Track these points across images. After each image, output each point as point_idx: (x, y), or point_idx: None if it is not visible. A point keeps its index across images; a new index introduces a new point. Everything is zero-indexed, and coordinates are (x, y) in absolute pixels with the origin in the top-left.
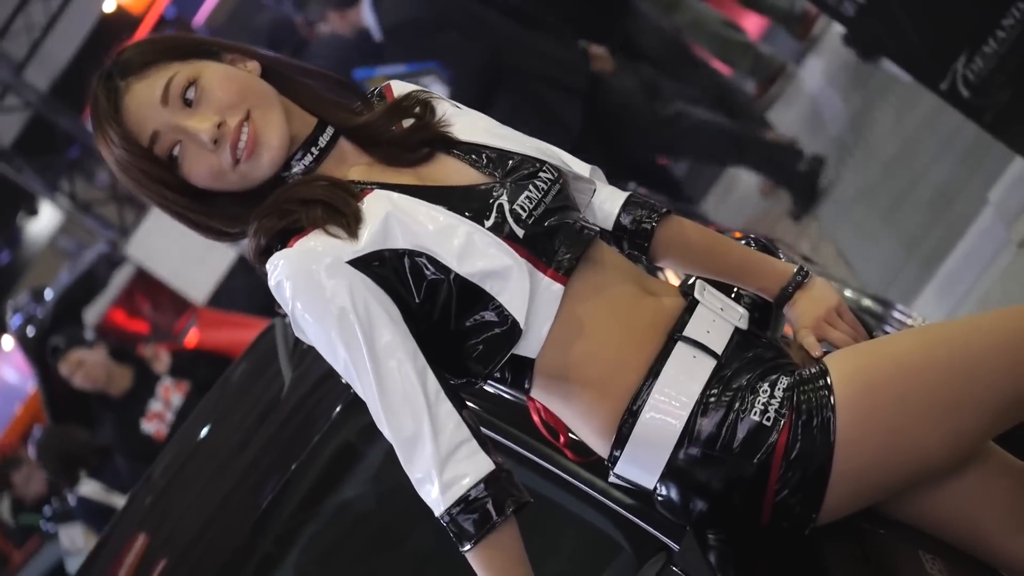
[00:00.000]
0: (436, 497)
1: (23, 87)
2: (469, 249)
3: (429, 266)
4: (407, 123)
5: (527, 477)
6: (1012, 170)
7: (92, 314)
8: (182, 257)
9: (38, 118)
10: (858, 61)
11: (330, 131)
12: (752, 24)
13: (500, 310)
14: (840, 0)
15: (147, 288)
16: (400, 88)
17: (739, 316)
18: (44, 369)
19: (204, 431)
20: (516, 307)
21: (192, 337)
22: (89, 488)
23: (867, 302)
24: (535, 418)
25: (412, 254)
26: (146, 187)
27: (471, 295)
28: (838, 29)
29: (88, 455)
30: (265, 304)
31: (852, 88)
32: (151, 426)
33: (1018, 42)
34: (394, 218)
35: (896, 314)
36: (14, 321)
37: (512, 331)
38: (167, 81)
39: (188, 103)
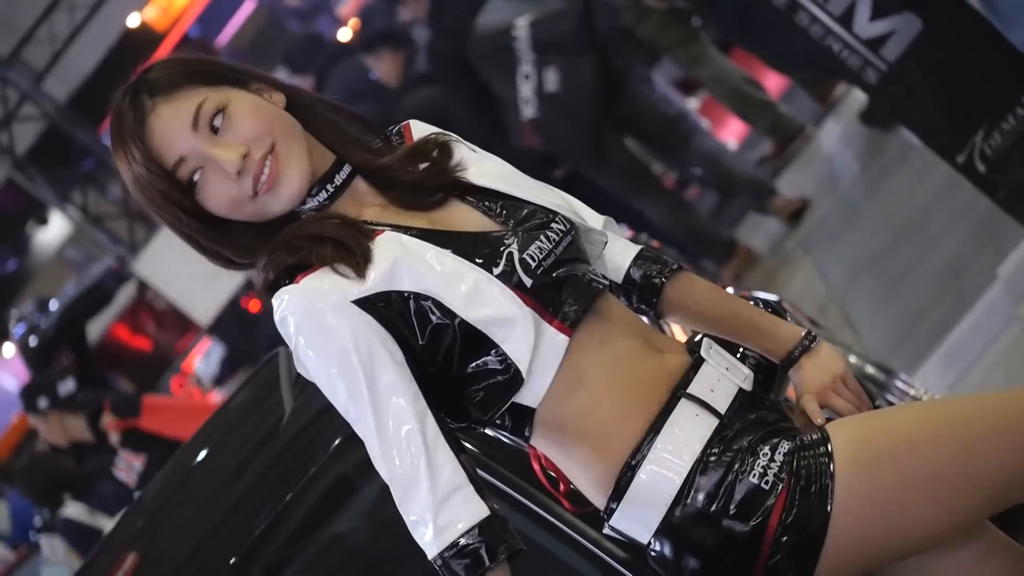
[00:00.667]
0: (430, 540)
1: (41, 97)
2: (476, 296)
3: (435, 310)
4: (423, 166)
5: (521, 523)
6: (1023, 247)
7: (97, 328)
8: (189, 278)
9: (54, 129)
10: (865, 131)
11: (347, 169)
12: (773, 83)
13: (503, 358)
14: (863, 67)
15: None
16: (419, 129)
17: (744, 377)
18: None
19: (201, 455)
20: (519, 356)
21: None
22: (73, 510)
23: (870, 369)
24: (535, 465)
25: (418, 297)
26: (162, 208)
27: (475, 341)
28: (858, 94)
29: (72, 479)
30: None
31: (869, 154)
32: (122, 474)
33: None
34: (403, 261)
35: (899, 383)
36: (17, 330)
37: (514, 380)
38: (197, 106)
39: (215, 130)
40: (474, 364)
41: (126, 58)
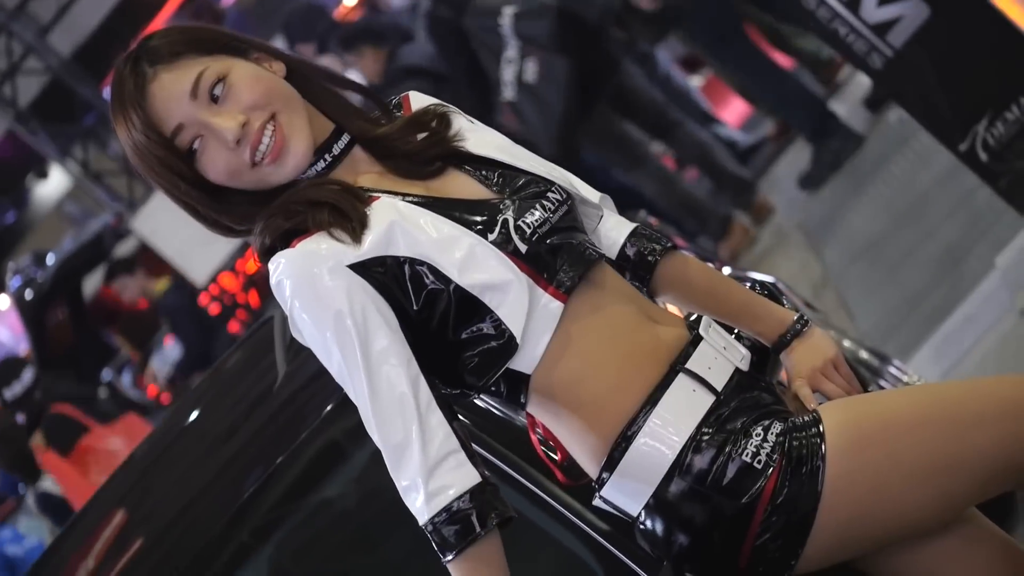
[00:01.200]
0: (421, 506)
1: (46, 51)
2: (471, 261)
3: (429, 275)
4: (422, 136)
5: (510, 496)
6: (1022, 237)
7: (91, 284)
8: (187, 237)
9: (58, 83)
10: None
11: (345, 139)
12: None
13: (498, 323)
14: (868, 52)
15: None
16: (418, 100)
17: (741, 357)
18: (37, 333)
19: (193, 415)
20: (514, 321)
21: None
22: (50, 483)
23: (864, 354)
24: (532, 436)
25: (413, 262)
26: (160, 175)
27: (470, 306)
28: (863, 79)
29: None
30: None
31: (871, 138)
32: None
33: None
34: (398, 226)
35: (892, 369)
36: (13, 282)
37: (508, 345)
38: (197, 75)
39: (215, 99)
40: (469, 330)
41: (132, 14)
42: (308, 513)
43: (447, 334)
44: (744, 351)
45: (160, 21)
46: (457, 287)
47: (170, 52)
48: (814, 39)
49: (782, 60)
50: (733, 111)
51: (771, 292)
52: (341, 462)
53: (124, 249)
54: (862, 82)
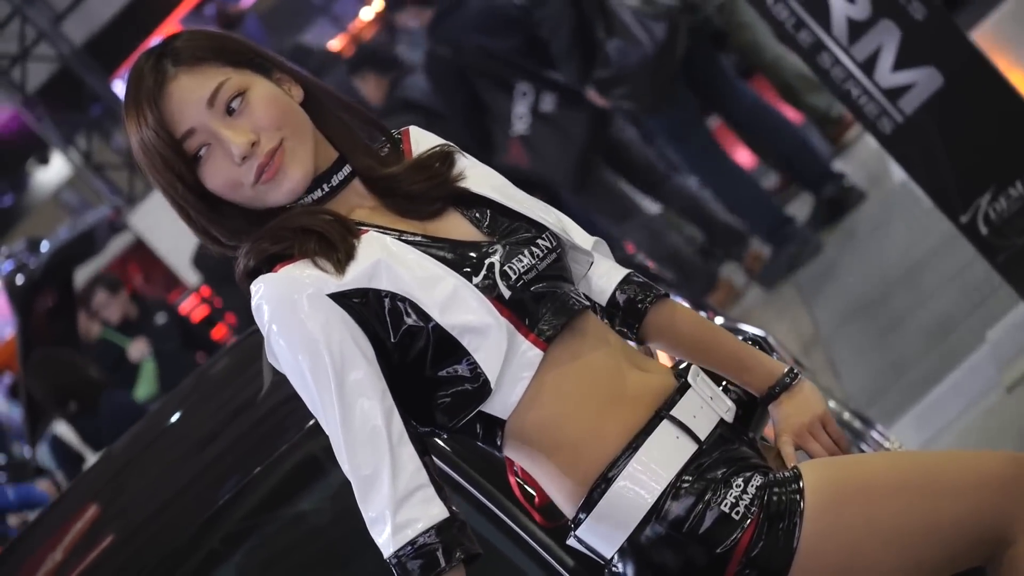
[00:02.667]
0: (387, 539)
1: (58, 38)
2: (453, 301)
3: (410, 312)
4: (425, 178)
5: (483, 526)
6: (1015, 314)
7: (84, 274)
8: (184, 238)
9: (67, 71)
10: (884, 174)
11: (347, 170)
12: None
13: (474, 367)
14: (879, 115)
15: (142, 260)
16: (418, 136)
17: (727, 408)
18: (25, 319)
19: (175, 417)
20: (490, 367)
21: None
22: (66, 429)
23: (847, 416)
24: (511, 478)
25: (395, 297)
26: (162, 174)
27: (448, 346)
28: (870, 141)
29: (83, 387)
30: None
31: (874, 200)
32: None
33: None
34: (384, 262)
35: (874, 433)
36: (5, 266)
37: (482, 389)
38: (218, 85)
39: (230, 112)
40: (445, 369)
41: (146, 10)
42: (280, 525)
43: (423, 371)
44: (730, 403)
45: (175, 19)
46: (437, 326)
47: (194, 56)
48: (825, 96)
49: (791, 115)
50: (740, 160)
51: (762, 346)
52: (318, 478)
53: (119, 244)
54: (869, 144)
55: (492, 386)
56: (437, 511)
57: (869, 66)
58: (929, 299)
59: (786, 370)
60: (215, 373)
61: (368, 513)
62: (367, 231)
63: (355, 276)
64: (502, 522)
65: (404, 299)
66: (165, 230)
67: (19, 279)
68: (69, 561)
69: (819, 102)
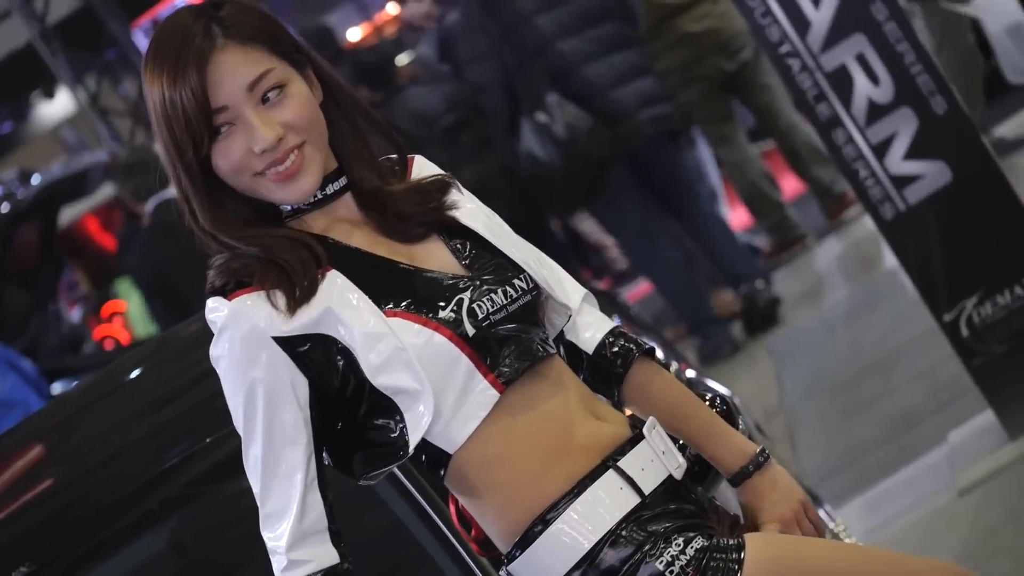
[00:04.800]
0: (279, 570)
1: None
2: (388, 363)
3: (351, 364)
4: (420, 203)
5: (422, 535)
6: (979, 421)
7: (68, 214)
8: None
9: (90, 11)
10: (876, 258)
11: (343, 181)
12: (790, 185)
13: (402, 427)
14: (883, 200)
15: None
16: (422, 166)
17: (677, 465)
18: (3, 245)
19: (136, 372)
20: (413, 432)
21: None
22: None
23: None
24: (452, 507)
25: (338, 346)
26: (179, 135)
27: (384, 402)
28: (868, 223)
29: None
30: None
31: (859, 283)
32: None
33: None
34: (332, 312)
35: (821, 512)
36: None
37: (400, 451)
38: (263, 72)
39: (265, 101)
40: (376, 420)
41: None
42: (222, 498)
43: (356, 416)
44: (682, 460)
45: None
46: (372, 386)
47: (244, 33)
48: (831, 171)
49: (795, 184)
50: (736, 217)
51: (729, 408)
52: None
53: (108, 192)
54: (866, 225)
55: (410, 451)
56: (329, 556)
57: (881, 150)
58: (898, 390)
59: (759, 450)
60: (184, 336)
61: (267, 539)
62: (330, 270)
63: (303, 322)
64: (442, 534)
65: (347, 350)
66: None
67: (4, 207)
68: (3, 496)
69: (824, 175)
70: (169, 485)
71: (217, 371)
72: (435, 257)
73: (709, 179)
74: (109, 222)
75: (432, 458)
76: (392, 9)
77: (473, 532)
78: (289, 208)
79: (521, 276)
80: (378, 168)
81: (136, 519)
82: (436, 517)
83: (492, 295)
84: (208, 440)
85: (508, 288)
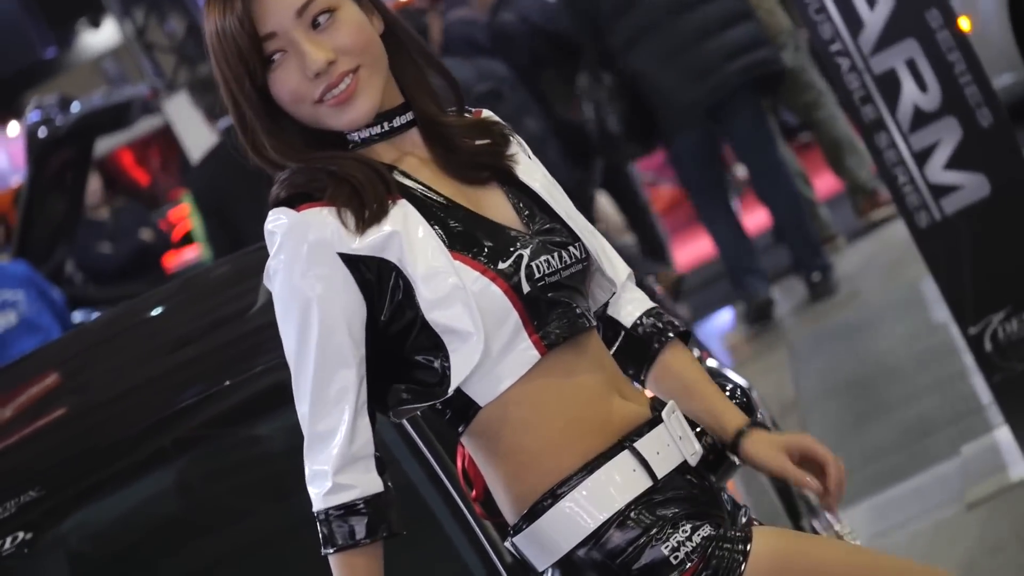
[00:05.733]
0: (323, 494)
1: None
2: (444, 301)
3: (408, 294)
4: (481, 141)
5: (431, 497)
6: (994, 436)
7: (104, 144)
8: (211, 136)
9: None
10: (907, 263)
11: (409, 115)
12: (824, 184)
13: (446, 367)
14: (919, 208)
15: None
16: (488, 115)
17: (693, 452)
18: (37, 171)
19: (157, 310)
20: (457, 372)
21: None
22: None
23: (806, 490)
24: (459, 464)
25: (400, 274)
26: (232, 67)
27: (432, 338)
28: (902, 228)
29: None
30: None
31: (888, 288)
32: None
33: None
34: (399, 237)
35: (828, 514)
36: (32, 116)
37: (440, 390)
38: None
39: (316, 26)
40: (422, 356)
41: None
42: (233, 441)
43: (401, 350)
44: (698, 447)
45: None
46: (424, 319)
47: None
48: (867, 167)
49: (828, 182)
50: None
51: (749, 399)
52: (281, 407)
53: (147, 126)
54: (899, 230)
55: (449, 391)
56: (374, 483)
57: (923, 158)
58: (915, 398)
59: (749, 420)
60: (210, 278)
61: (312, 465)
62: (400, 199)
63: (370, 243)
64: (450, 497)
65: (406, 280)
66: (196, 124)
67: (42, 131)
68: (16, 420)
69: (860, 170)
70: (182, 425)
71: (270, 287)
72: (497, 206)
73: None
74: (144, 157)
75: (458, 409)
76: None
77: (475, 493)
78: (357, 138)
79: (576, 244)
80: (440, 103)
81: (146, 457)
82: (446, 480)
83: (549, 257)
84: (226, 383)
85: (563, 253)
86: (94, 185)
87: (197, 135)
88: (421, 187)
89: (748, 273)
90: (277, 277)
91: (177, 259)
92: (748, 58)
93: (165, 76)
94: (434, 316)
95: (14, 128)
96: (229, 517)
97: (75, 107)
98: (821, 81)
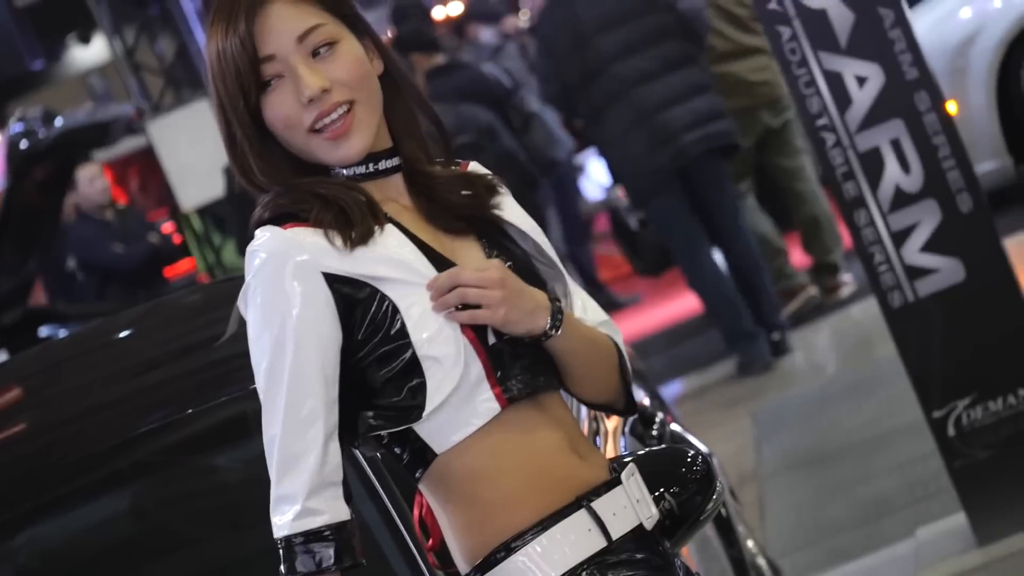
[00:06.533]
0: (289, 520)
1: None
2: (438, 334)
3: (396, 325)
4: (465, 193)
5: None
6: (950, 522)
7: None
8: (194, 162)
9: None
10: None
11: (396, 160)
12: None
13: (421, 390)
14: (892, 288)
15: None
16: (476, 167)
17: (649, 515)
18: (16, 183)
19: (127, 331)
20: (432, 396)
21: None
22: None
23: (761, 561)
24: (415, 512)
25: (393, 307)
26: (229, 86)
27: (410, 364)
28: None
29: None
30: None
31: (858, 363)
32: None
33: (1019, 417)
34: (393, 270)
35: None
36: (14, 127)
37: (414, 413)
38: (314, 25)
39: (315, 55)
40: (397, 382)
41: None
42: (190, 470)
43: (375, 374)
44: (655, 511)
45: None
46: (406, 344)
47: None
48: (841, 252)
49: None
50: None
51: (708, 467)
52: (242, 439)
53: (129, 144)
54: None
55: (423, 416)
56: (343, 511)
57: (901, 238)
58: (875, 477)
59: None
60: (183, 305)
61: (280, 489)
62: (387, 224)
63: (358, 262)
64: (403, 541)
65: (395, 309)
66: (179, 148)
67: (23, 144)
68: None
69: (835, 249)
70: (142, 449)
71: (244, 306)
72: (472, 258)
73: None
74: (123, 176)
75: (415, 455)
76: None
77: (431, 542)
78: (343, 173)
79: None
80: (428, 152)
81: (102, 478)
82: (400, 524)
83: None
84: (188, 412)
85: None
86: (102, 185)
87: (179, 158)
88: (401, 229)
89: (743, 337)
90: (257, 294)
91: (173, 270)
92: (706, 129)
93: (151, 97)
94: (422, 346)
95: None
96: (181, 544)
97: (59, 122)
98: (808, 156)
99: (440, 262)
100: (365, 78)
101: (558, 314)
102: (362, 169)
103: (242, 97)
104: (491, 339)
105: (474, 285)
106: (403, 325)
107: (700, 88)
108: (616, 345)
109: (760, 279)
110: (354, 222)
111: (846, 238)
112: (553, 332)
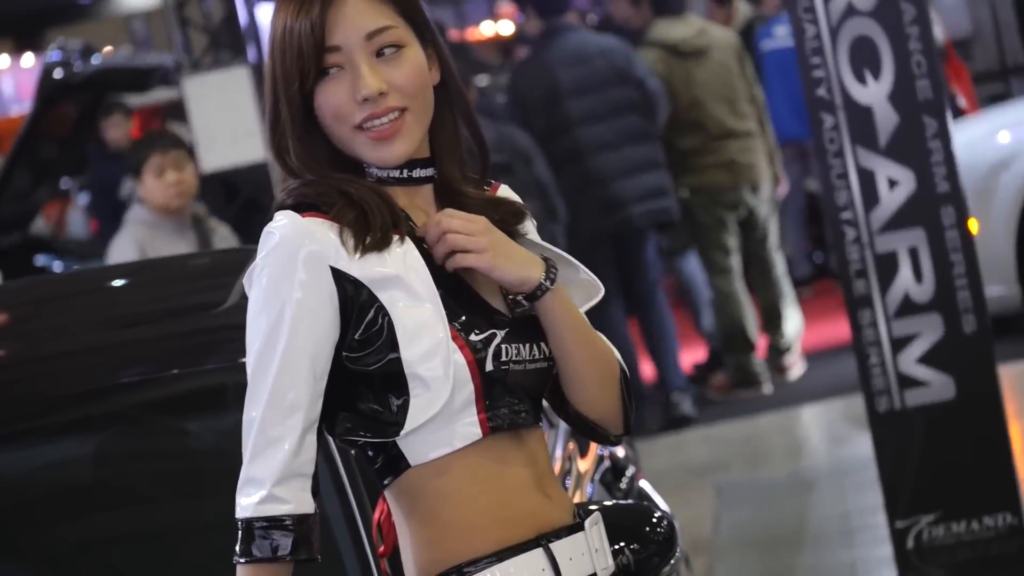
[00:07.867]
0: (254, 502)
1: None
2: (426, 352)
3: (386, 334)
4: (492, 217)
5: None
6: None
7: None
8: (221, 125)
9: None
10: (856, 438)
11: (430, 171)
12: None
13: (403, 408)
14: (882, 392)
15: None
16: (506, 191)
17: (605, 567)
18: (42, 109)
19: (123, 280)
20: (414, 417)
21: None
22: None
23: None
24: (375, 516)
25: (386, 315)
26: (288, 65)
27: (397, 379)
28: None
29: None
30: None
31: (833, 456)
32: None
33: (977, 544)
34: (400, 281)
35: None
36: (52, 55)
37: (392, 428)
38: (386, 26)
39: (380, 55)
40: (380, 393)
41: None
42: (159, 429)
43: (363, 381)
44: (611, 563)
45: None
46: (399, 361)
47: None
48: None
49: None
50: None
51: (672, 530)
52: (219, 410)
53: (160, 96)
54: (856, 404)
55: (401, 433)
56: (308, 503)
57: (900, 345)
58: (826, 572)
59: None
60: (188, 266)
61: (250, 471)
62: (406, 237)
63: (366, 268)
64: (360, 542)
65: (391, 322)
66: (209, 109)
67: (57, 73)
68: None
69: (787, 336)
70: (116, 401)
71: (249, 284)
72: (487, 282)
73: (702, 290)
74: (148, 125)
75: (389, 462)
76: (487, 29)
77: (383, 548)
78: (376, 174)
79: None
80: (465, 172)
81: (70, 420)
82: (361, 524)
83: (520, 345)
84: (172, 372)
85: (535, 347)
86: (126, 128)
87: (208, 119)
88: (421, 240)
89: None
90: (264, 274)
91: None
92: (652, 204)
93: (192, 54)
94: (411, 363)
95: (29, 59)
96: (137, 500)
97: (96, 59)
98: (778, 250)
99: (449, 278)
100: (422, 88)
101: (552, 269)
102: (396, 173)
103: (299, 79)
104: (489, 366)
105: (460, 231)
106: (396, 338)
107: (653, 164)
108: (619, 361)
109: (668, 344)
110: (372, 228)
111: (834, 330)
112: (548, 284)
